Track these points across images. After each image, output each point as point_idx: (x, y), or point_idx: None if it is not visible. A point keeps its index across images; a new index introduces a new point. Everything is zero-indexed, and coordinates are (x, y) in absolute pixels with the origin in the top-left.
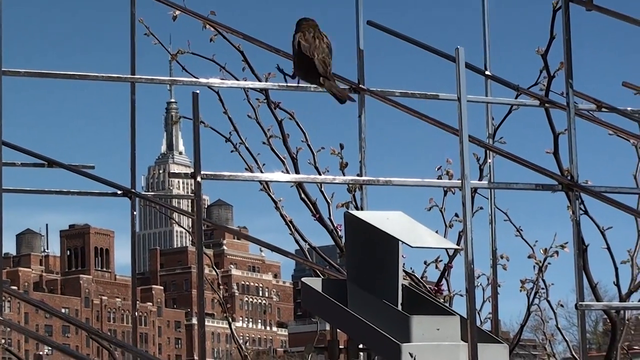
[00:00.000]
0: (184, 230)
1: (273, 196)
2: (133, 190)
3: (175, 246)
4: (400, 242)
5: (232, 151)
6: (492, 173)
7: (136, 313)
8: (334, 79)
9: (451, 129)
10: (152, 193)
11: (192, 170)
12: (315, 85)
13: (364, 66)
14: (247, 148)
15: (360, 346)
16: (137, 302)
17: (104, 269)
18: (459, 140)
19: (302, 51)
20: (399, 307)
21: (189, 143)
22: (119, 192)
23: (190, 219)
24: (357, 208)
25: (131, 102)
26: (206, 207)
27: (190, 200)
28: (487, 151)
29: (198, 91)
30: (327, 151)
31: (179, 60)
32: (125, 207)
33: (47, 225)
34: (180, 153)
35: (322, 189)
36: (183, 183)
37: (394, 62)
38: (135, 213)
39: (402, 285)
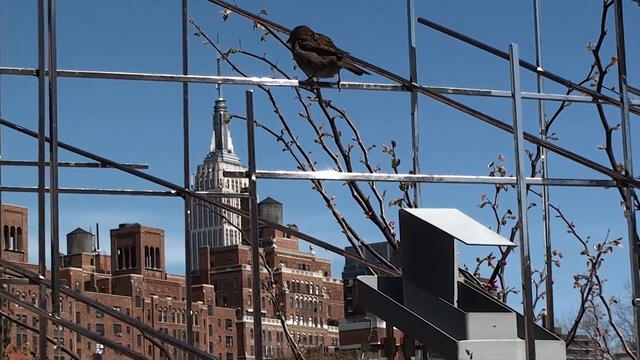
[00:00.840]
0: (233, 229)
1: (325, 194)
2: (187, 190)
3: (225, 245)
4: (455, 240)
5: (284, 150)
6: (545, 169)
7: (186, 310)
8: (345, 55)
9: (504, 125)
10: (206, 192)
11: (245, 169)
12: (331, 66)
13: (416, 63)
14: (298, 146)
15: (417, 343)
16: None
17: (155, 268)
18: (513, 137)
19: (306, 47)
20: (455, 304)
21: (237, 142)
22: (173, 191)
23: (239, 218)
24: (409, 205)
25: (184, 101)
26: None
27: (240, 199)
28: (540, 147)
29: (252, 90)
30: (379, 149)
31: (229, 60)
32: (174, 206)
33: (97, 224)
34: (229, 151)
35: (374, 186)
36: (233, 182)
37: (446, 59)
38: (189, 212)
39: (458, 282)
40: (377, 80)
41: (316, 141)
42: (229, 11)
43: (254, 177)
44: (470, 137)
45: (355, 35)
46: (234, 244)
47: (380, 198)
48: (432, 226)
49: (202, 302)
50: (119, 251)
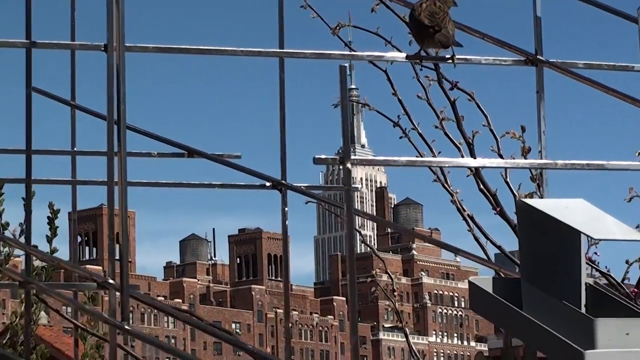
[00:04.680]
0: (369, 234)
1: (450, 188)
2: (284, 182)
3: (359, 252)
4: (582, 235)
5: (400, 137)
6: None
7: (314, 326)
8: (448, 26)
9: None
10: (305, 185)
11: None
12: (428, 45)
13: (542, 34)
14: (419, 133)
15: (539, 354)
16: (317, 315)
17: (279, 279)
18: None
19: (412, 17)
20: (582, 309)
21: (372, 135)
22: (268, 184)
23: (373, 221)
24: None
25: (280, 80)
26: (393, 206)
27: (375, 200)
28: None
29: (346, 64)
30: (508, 136)
31: (340, 35)
32: (300, 209)
33: (213, 229)
34: (363, 146)
35: (508, 178)
36: (367, 181)
37: (578, 30)
38: (286, 209)
39: (586, 284)
40: (497, 54)
41: (436, 127)
42: None
43: (349, 165)
44: (612, 121)
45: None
46: (369, 250)
47: (514, 191)
48: (555, 219)
49: (332, 317)
50: (238, 259)
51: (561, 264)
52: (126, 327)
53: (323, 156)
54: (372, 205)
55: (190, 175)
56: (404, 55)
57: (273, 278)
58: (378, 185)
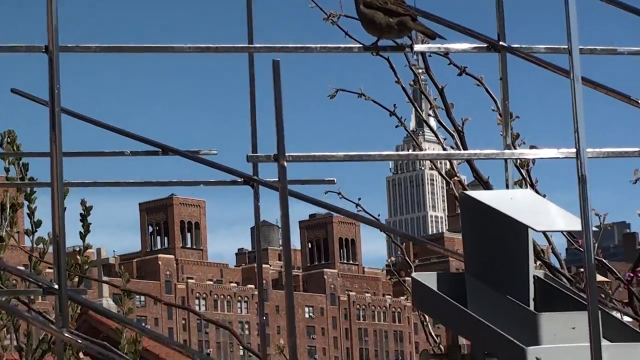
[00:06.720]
0: (439, 215)
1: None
2: (255, 177)
3: (430, 233)
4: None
5: (396, 126)
6: None
7: (387, 307)
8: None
9: (617, 94)
10: (273, 180)
11: (448, 149)
12: (399, 28)
13: (504, 19)
14: (427, 124)
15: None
16: (389, 296)
17: (350, 262)
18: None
19: (371, 5)
20: (531, 304)
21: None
22: (239, 179)
23: (445, 203)
24: (533, 187)
25: (250, 76)
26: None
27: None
28: None
29: (279, 59)
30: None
31: (339, 24)
32: (369, 193)
33: None
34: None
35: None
36: (440, 163)
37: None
38: (259, 204)
39: (535, 277)
40: (458, 41)
41: (430, 115)
42: None
43: (284, 162)
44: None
45: None
46: (440, 231)
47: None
48: (498, 211)
49: (405, 298)
50: (309, 244)
51: (507, 258)
52: (65, 334)
53: (256, 154)
54: (442, 187)
55: (155, 172)
56: (359, 46)
57: (345, 261)
58: (446, 169)
